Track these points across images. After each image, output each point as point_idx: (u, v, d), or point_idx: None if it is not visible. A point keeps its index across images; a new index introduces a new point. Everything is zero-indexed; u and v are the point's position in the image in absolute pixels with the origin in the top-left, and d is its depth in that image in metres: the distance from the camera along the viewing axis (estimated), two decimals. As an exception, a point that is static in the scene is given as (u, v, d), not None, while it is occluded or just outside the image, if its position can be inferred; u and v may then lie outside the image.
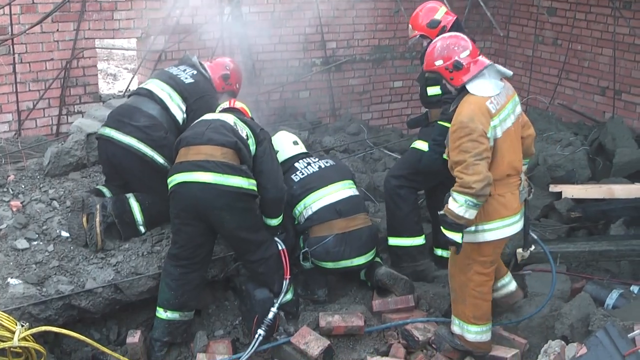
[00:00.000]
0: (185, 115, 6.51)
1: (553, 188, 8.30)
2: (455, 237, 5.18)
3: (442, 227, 5.25)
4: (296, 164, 6.69)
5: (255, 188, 5.89)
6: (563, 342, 5.31)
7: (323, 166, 6.63)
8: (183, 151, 5.89)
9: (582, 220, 7.91)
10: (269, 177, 6.03)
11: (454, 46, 5.33)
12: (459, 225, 5.14)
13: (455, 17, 6.82)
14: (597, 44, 10.11)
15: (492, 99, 5.19)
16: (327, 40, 10.35)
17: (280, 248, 6.17)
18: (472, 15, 10.80)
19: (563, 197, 8.12)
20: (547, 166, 8.62)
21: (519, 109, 5.46)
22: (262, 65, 9.87)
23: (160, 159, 6.26)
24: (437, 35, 6.42)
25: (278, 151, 6.71)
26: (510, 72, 5.42)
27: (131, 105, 6.54)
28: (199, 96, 6.59)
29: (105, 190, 6.51)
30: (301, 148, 6.94)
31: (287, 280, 6.13)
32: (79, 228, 6.15)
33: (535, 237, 6.11)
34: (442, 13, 6.80)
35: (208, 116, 6.21)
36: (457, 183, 5.09)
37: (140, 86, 6.81)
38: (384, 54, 10.86)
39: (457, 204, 5.08)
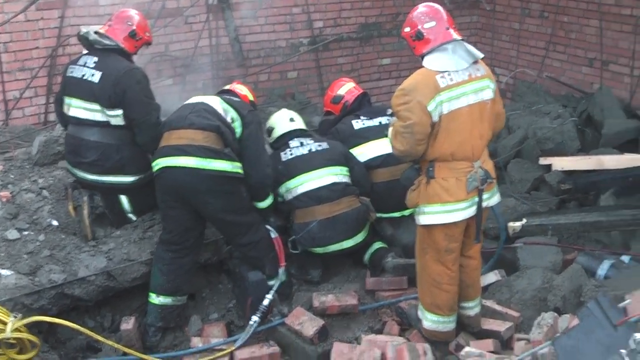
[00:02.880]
0: (120, 112, 6.06)
1: (543, 161, 8.32)
2: None
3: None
4: (290, 142, 6.64)
5: (240, 170, 5.87)
6: (556, 314, 5.33)
7: (314, 150, 6.56)
8: (166, 135, 5.89)
9: (572, 192, 7.92)
10: (251, 162, 5.99)
11: (421, 15, 5.25)
12: None
13: (361, 92, 7.15)
14: (583, 15, 10.08)
15: (444, 74, 5.07)
16: (314, 20, 10.31)
17: (273, 236, 6.18)
18: (458, -10, 10.79)
19: (553, 169, 8.14)
20: (537, 139, 8.62)
21: (487, 94, 5.24)
22: (249, 47, 9.84)
23: (128, 179, 6.20)
24: (341, 110, 6.97)
25: (274, 128, 6.71)
26: (480, 54, 5.26)
27: (74, 136, 6.22)
28: (114, 84, 6.00)
29: None
30: (298, 124, 6.85)
31: (282, 268, 6.15)
32: (66, 216, 6.14)
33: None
34: (346, 89, 7.17)
35: (192, 99, 6.19)
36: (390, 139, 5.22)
37: (64, 113, 6.30)
38: (371, 32, 10.83)
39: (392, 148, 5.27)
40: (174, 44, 9.16)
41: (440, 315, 5.50)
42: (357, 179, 6.58)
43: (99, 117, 6.10)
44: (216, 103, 6.06)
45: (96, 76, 6.05)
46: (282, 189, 6.44)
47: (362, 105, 7.05)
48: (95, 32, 6.19)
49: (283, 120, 6.84)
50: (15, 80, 8.35)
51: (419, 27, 5.20)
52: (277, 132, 6.76)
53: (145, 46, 6.50)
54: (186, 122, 5.83)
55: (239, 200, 5.95)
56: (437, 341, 5.62)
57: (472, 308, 5.72)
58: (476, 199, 5.24)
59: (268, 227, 6.20)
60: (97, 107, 6.07)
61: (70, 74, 6.23)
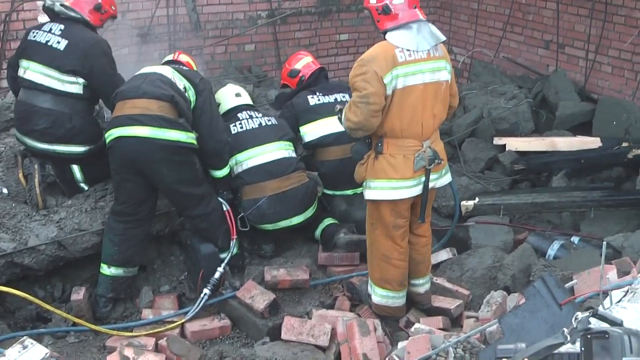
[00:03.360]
0: (82, 81, 6.11)
1: (497, 140, 8.40)
2: None
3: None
4: (239, 114, 6.62)
5: (194, 141, 5.84)
6: (505, 293, 5.40)
7: (264, 124, 6.56)
8: (119, 105, 5.82)
9: (525, 173, 8.02)
10: (207, 129, 6.00)
11: None
12: None
13: (318, 67, 7.11)
14: (541, -4, 10.16)
15: (404, 50, 5.08)
16: (273, -8, 10.25)
17: (225, 209, 6.16)
18: (418, -32, 10.75)
19: (507, 149, 8.21)
20: (491, 119, 8.70)
21: (443, 75, 5.25)
22: (206, 18, 9.74)
23: (79, 149, 6.18)
24: (297, 85, 6.96)
25: (220, 103, 6.67)
26: (443, 37, 5.28)
27: (26, 102, 6.17)
28: (81, 55, 6.06)
29: None
30: (244, 99, 6.86)
31: (234, 241, 6.13)
32: (16, 184, 6.06)
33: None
34: (303, 63, 7.13)
35: (145, 69, 6.14)
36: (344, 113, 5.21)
37: (21, 76, 6.22)
38: (330, 7, 10.76)
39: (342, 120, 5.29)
40: (131, 13, 9.03)
41: (390, 290, 5.54)
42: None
43: (55, 84, 6.07)
44: (169, 72, 6.01)
45: (62, 44, 6.06)
46: (232, 162, 6.41)
47: (318, 80, 7.04)
48: (61, 5, 6.19)
49: (229, 95, 6.84)
50: (-33, 45, 8.20)
51: (387, 1, 5.16)
52: (223, 107, 6.73)
53: (110, 19, 6.53)
54: (140, 92, 5.77)
55: (192, 171, 5.93)
56: (387, 316, 5.67)
57: (422, 285, 5.76)
58: (423, 179, 5.26)
59: (220, 199, 6.18)
60: (56, 74, 6.06)
61: (33, 38, 6.19)
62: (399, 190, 5.23)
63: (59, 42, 6.08)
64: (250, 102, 6.93)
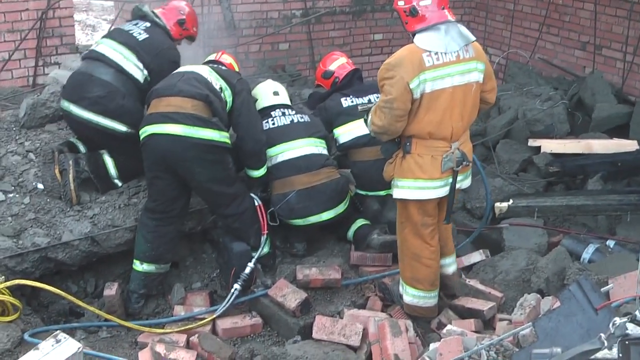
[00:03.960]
0: (146, 73, 6.29)
1: (532, 142, 8.33)
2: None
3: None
4: (272, 112, 6.59)
5: (227, 140, 5.84)
6: (539, 296, 5.35)
7: (296, 120, 6.54)
8: (154, 102, 5.85)
9: (560, 175, 7.94)
10: (246, 129, 6.02)
11: None
12: None
13: (353, 68, 7.08)
14: (578, -2, 10.07)
15: (431, 53, 5.04)
16: (307, -8, 10.25)
17: (257, 204, 6.15)
18: (453, -32, 10.73)
19: (542, 151, 8.14)
20: (526, 120, 8.63)
21: (474, 76, 5.21)
22: (241, 17, 9.76)
23: (122, 127, 6.15)
24: (331, 86, 6.93)
25: (257, 100, 6.65)
26: (472, 37, 5.23)
27: (84, 72, 6.29)
28: (155, 53, 6.34)
29: (79, 143, 6.43)
30: (281, 99, 6.79)
31: (265, 236, 6.12)
32: (52, 180, 6.10)
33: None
34: (337, 64, 7.11)
35: (182, 68, 6.16)
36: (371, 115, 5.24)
37: (92, 48, 6.50)
38: (364, 6, 10.76)
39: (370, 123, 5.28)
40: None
41: (421, 290, 5.52)
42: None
43: (122, 60, 6.24)
44: (205, 72, 6.02)
45: (142, 36, 6.38)
46: None
47: (352, 82, 7.01)
48: (151, 11, 6.64)
49: (267, 93, 6.78)
50: (4, 41, 8.26)
51: (414, 3, 5.12)
52: (260, 104, 6.69)
53: (188, 39, 6.86)
54: (175, 90, 5.78)
55: (225, 170, 5.92)
56: (418, 317, 5.64)
57: (450, 265, 5.76)
58: (450, 180, 5.26)
59: (252, 195, 6.17)
60: (127, 52, 6.27)
61: (119, 26, 6.73)
62: (426, 191, 5.25)
63: (140, 34, 6.38)
64: (288, 102, 6.85)
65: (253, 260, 5.97)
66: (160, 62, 6.32)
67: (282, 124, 6.50)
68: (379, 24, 10.97)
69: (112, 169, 6.29)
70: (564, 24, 10.25)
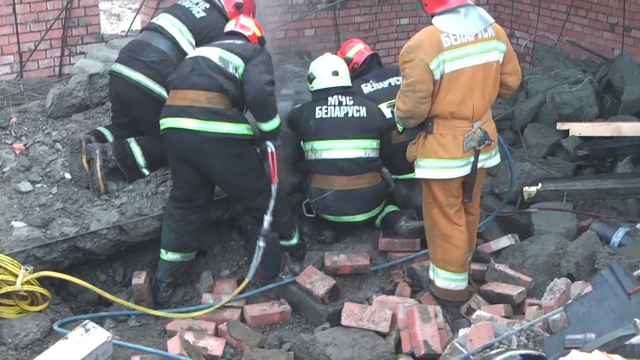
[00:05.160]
0: (194, 44, 6.40)
1: (560, 126, 8.26)
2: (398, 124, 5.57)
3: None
4: (329, 98, 6.41)
5: (246, 132, 5.70)
6: (569, 280, 5.30)
7: (350, 114, 6.35)
8: (171, 94, 5.79)
9: (589, 158, 7.87)
10: (251, 81, 5.70)
11: None
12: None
13: (370, 53, 7.11)
14: (606, -22, 9.95)
15: (449, 35, 5.09)
16: (333, -23, 10.19)
17: (270, 150, 5.82)
18: (479, -49, 10.63)
19: (570, 134, 8.07)
20: (555, 104, 8.54)
21: (494, 55, 5.23)
22: (266, 2, 9.71)
23: (162, 91, 6.15)
24: (351, 72, 6.85)
25: (315, 78, 6.53)
26: (492, 20, 5.24)
27: (142, 40, 6.48)
28: (209, 30, 6.45)
29: (106, 132, 6.45)
30: (341, 79, 6.53)
31: (275, 185, 5.81)
32: (79, 170, 6.12)
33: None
34: (355, 50, 7.13)
35: (194, 52, 6.05)
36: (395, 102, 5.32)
37: (152, 21, 6.74)
38: (389, -9, 10.72)
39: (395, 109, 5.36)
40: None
41: (452, 272, 5.51)
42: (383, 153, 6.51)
43: (177, 34, 6.40)
44: (216, 55, 5.83)
45: (200, 15, 6.55)
46: (308, 146, 6.36)
47: (371, 66, 6.97)
48: None
49: (326, 72, 6.53)
50: (30, 32, 8.29)
51: None
52: (318, 84, 6.51)
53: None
54: (188, 83, 5.68)
55: (248, 164, 5.83)
56: (450, 300, 5.62)
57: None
58: (472, 159, 5.28)
59: (267, 142, 5.87)
60: (182, 27, 6.43)
61: (179, 2, 6.74)
62: (449, 170, 5.28)
63: (198, 12, 6.54)
64: (349, 83, 6.62)
65: (268, 211, 5.77)
66: (210, 39, 6.33)
67: (336, 116, 6.36)
68: (404, 9, 10.90)
69: (139, 158, 6.29)
70: (592, 5, 10.12)
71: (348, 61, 7.01)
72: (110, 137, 6.42)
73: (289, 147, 6.55)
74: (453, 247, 5.45)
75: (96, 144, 6.20)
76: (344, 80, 6.57)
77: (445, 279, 5.53)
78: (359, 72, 6.97)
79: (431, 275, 5.64)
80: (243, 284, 5.70)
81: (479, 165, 5.32)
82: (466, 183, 5.43)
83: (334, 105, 6.39)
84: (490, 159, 5.47)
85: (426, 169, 5.33)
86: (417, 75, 5.04)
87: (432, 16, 5.21)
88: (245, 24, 6.37)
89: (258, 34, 6.37)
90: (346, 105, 6.40)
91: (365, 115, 6.40)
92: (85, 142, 6.18)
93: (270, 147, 5.84)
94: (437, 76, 5.08)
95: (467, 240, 5.52)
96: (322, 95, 6.46)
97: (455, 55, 5.09)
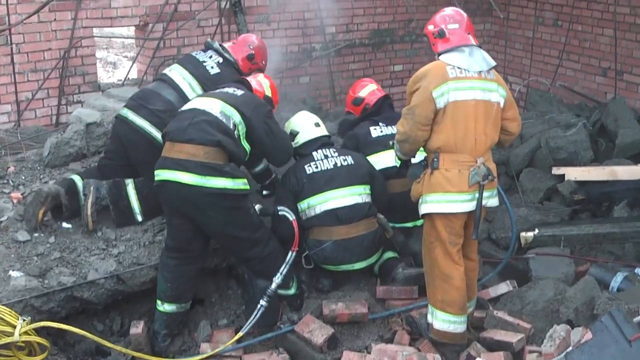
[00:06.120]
0: None
1: (556, 170, 8.25)
2: (397, 162, 5.81)
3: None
4: (314, 154, 6.47)
5: (242, 187, 5.70)
6: (568, 327, 5.29)
7: (339, 164, 6.40)
8: (168, 145, 5.76)
9: (585, 203, 7.86)
10: (274, 152, 6.13)
11: (446, 17, 5.60)
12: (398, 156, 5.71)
13: (383, 95, 7.18)
14: (597, 24, 10.04)
15: (455, 67, 5.37)
16: (326, 25, 10.27)
17: (290, 219, 6.09)
18: (471, -3, 10.76)
19: (566, 179, 8.05)
20: (549, 148, 8.57)
21: (495, 97, 5.46)
22: (261, 51, 9.80)
23: (159, 137, 6.17)
24: (362, 112, 7.01)
25: (298, 132, 6.60)
26: (493, 62, 5.56)
27: (151, 89, 6.62)
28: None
29: (77, 179, 6.36)
30: (322, 130, 6.68)
31: (294, 253, 5.96)
32: (32, 216, 6.06)
33: None
34: (368, 90, 7.22)
35: (192, 104, 6.00)
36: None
37: (164, 72, 6.82)
38: (383, 38, 10.81)
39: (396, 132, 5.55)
40: (187, 48, 9.10)
41: (452, 314, 5.50)
42: (376, 196, 6.50)
43: (186, 88, 6.53)
44: (217, 109, 5.84)
45: (214, 70, 6.67)
46: (304, 204, 6.33)
47: (382, 108, 7.01)
48: (220, 45, 6.91)
49: (308, 125, 6.65)
50: (28, 81, 8.33)
51: (443, 26, 5.54)
52: (302, 138, 6.58)
53: (256, 72, 6.86)
54: (185, 137, 5.65)
55: (245, 216, 5.83)
56: (448, 343, 5.60)
57: (468, 308, 5.76)
58: (477, 195, 5.36)
59: (284, 209, 6.15)
60: (192, 82, 6.56)
61: (194, 55, 6.90)
62: (455, 204, 5.37)
63: (212, 68, 6.68)
64: (327, 133, 6.75)
65: (280, 275, 5.88)
66: None
67: (326, 168, 6.39)
68: (398, 55, 11.02)
69: (134, 202, 6.30)
70: (584, 50, 10.23)
71: (360, 101, 7.09)
72: (80, 185, 6.32)
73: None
74: (453, 288, 5.46)
75: (92, 180, 6.23)
76: (325, 129, 6.74)
77: (444, 321, 5.52)
78: (370, 112, 7.01)
79: (429, 318, 5.62)
80: (239, 335, 5.69)
81: (483, 202, 5.39)
82: (470, 222, 5.50)
83: (321, 159, 6.44)
84: (493, 198, 5.55)
85: (433, 203, 5.40)
86: (418, 100, 5.29)
87: (439, 55, 5.49)
88: (262, 83, 6.49)
89: (268, 94, 6.46)
90: (332, 156, 6.47)
91: (352, 163, 6.46)
92: (52, 197, 6.10)
93: (291, 215, 6.08)
94: (441, 104, 5.30)
95: (465, 281, 5.54)
96: (307, 149, 6.54)
97: (460, 87, 5.34)
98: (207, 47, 6.90)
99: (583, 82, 10.27)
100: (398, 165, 5.81)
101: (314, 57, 10.24)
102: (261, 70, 6.96)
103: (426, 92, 5.26)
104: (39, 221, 6.08)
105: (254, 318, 5.75)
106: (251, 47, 6.91)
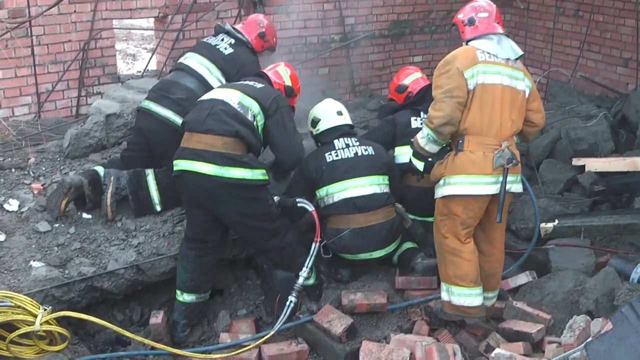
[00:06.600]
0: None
1: (576, 161, 8.22)
2: (418, 165, 5.73)
3: (411, 155, 5.76)
4: (335, 142, 6.46)
5: (261, 177, 5.73)
6: (588, 317, 5.28)
7: (360, 154, 6.40)
8: (187, 136, 5.79)
9: (605, 194, 7.82)
10: (282, 149, 6.01)
11: (477, 6, 5.73)
12: (422, 155, 5.64)
13: (427, 84, 7.04)
14: (619, 14, 9.97)
15: (484, 52, 5.48)
16: (346, 16, 10.25)
17: (309, 209, 6.06)
18: (491, -12, 10.69)
19: (586, 170, 8.03)
20: (570, 139, 8.53)
21: (521, 85, 5.54)
22: (280, 42, 9.74)
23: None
24: (404, 100, 6.98)
25: (319, 120, 6.59)
26: (521, 52, 5.64)
27: (171, 79, 6.68)
28: (239, 67, 6.64)
29: (100, 170, 6.40)
30: (345, 119, 6.66)
31: (317, 244, 5.99)
32: (54, 207, 6.13)
33: None
34: (412, 78, 7.20)
35: (212, 94, 6.03)
36: (428, 115, 5.48)
37: (180, 61, 6.89)
38: (403, 29, 10.78)
39: (422, 135, 5.55)
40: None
41: (465, 287, 5.54)
42: (391, 188, 6.49)
43: (205, 72, 6.64)
44: (235, 99, 5.87)
45: (228, 51, 6.79)
46: (323, 192, 6.33)
47: (425, 97, 6.92)
48: (232, 27, 7.05)
49: (330, 113, 6.64)
50: (48, 73, 8.37)
51: (473, 14, 5.68)
52: (323, 125, 6.57)
53: (269, 50, 7.14)
54: (204, 127, 5.68)
55: (263, 207, 5.84)
56: (466, 316, 5.62)
57: (491, 299, 5.87)
58: (500, 178, 5.39)
59: (303, 201, 6.11)
60: (210, 65, 6.68)
61: (205, 40, 7.04)
62: (478, 186, 5.41)
63: (225, 49, 6.80)
64: (350, 122, 6.74)
65: (306, 269, 5.92)
66: (240, 75, 6.51)
67: (347, 156, 6.38)
68: (417, 46, 10.98)
69: (154, 192, 6.33)
70: (605, 41, 10.17)
71: (403, 88, 7.07)
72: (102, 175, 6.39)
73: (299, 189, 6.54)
74: (463, 261, 5.51)
75: (113, 170, 6.27)
76: (347, 118, 6.70)
77: (460, 295, 5.55)
78: (413, 101, 6.98)
79: (445, 297, 5.65)
80: (270, 334, 5.65)
81: (507, 187, 5.41)
82: (492, 206, 5.53)
83: (342, 148, 6.43)
84: (517, 184, 5.59)
85: (456, 185, 5.44)
86: (454, 82, 5.33)
87: (467, 42, 5.61)
88: (281, 73, 6.49)
89: (288, 84, 6.47)
90: (353, 146, 6.46)
91: (373, 153, 6.46)
92: (75, 188, 6.14)
93: (310, 206, 6.06)
94: (471, 86, 5.38)
95: (476, 254, 5.59)
96: (328, 137, 6.52)
97: (489, 70, 5.43)
98: (218, 31, 7.01)
99: (604, 73, 10.21)
100: (421, 169, 5.74)
101: (333, 48, 10.22)
102: (272, 47, 7.21)
103: (459, 73, 5.34)
104: (62, 211, 6.13)
105: (284, 316, 5.74)
106: (262, 25, 7.06)
